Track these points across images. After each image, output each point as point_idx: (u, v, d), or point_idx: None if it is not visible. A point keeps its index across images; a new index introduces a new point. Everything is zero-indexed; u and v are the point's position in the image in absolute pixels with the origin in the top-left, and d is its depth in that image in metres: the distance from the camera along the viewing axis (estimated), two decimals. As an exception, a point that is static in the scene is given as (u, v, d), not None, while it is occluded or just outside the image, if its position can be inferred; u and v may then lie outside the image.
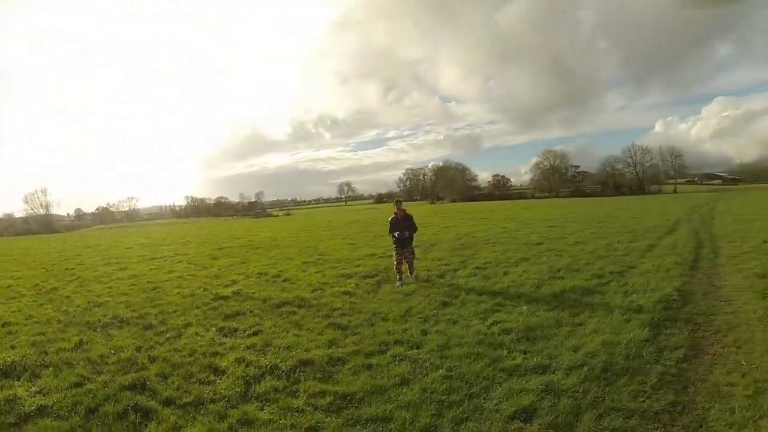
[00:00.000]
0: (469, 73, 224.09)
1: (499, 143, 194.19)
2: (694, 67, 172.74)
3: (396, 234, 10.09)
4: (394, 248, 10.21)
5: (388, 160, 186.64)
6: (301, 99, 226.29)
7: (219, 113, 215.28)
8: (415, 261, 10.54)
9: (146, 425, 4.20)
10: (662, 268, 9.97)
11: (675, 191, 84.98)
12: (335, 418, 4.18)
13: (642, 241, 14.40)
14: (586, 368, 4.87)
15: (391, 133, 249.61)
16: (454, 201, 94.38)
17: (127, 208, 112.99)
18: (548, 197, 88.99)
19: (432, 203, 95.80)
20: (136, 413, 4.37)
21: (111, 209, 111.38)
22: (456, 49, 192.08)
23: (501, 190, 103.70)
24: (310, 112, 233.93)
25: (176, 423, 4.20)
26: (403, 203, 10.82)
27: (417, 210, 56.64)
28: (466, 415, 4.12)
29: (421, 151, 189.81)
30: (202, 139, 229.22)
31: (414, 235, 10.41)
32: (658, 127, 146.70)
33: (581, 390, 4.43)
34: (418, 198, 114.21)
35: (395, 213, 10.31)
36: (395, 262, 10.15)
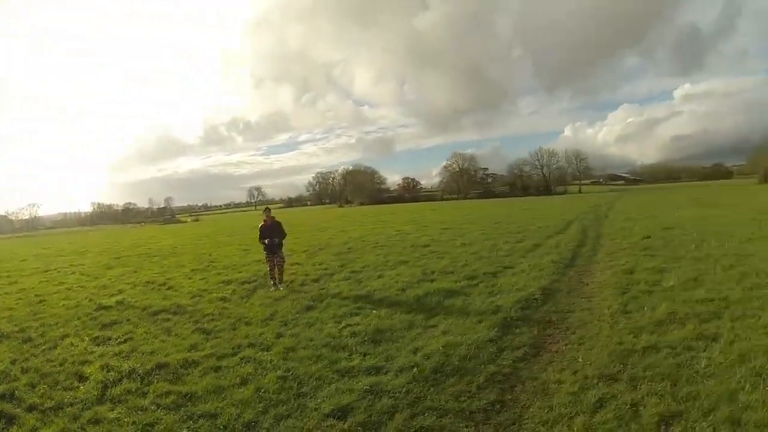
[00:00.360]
0: (383, 76, 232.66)
1: (412, 146, 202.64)
2: (603, 75, 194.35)
3: (266, 241, 10.40)
4: (265, 255, 10.56)
5: (300, 163, 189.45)
6: (214, 101, 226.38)
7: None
8: (285, 265, 10.95)
9: (8, 430, 4.65)
10: (537, 267, 10.72)
11: (580, 191, 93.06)
12: (173, 414, 4.64)
13: (528, 241, 15.42)
14: (416, 369, 5.13)
15: (303, 137, 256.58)
16: (362, 204, 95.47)
17: (27, 216, 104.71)
18: (457, 199, 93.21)
19: (340, 207, 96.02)
20: (0, 420, 4.80)
21: (9, 217, 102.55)
22: (371, 52, 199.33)
23: (411, 192, 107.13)
24: (222, 115, 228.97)
25: (34, 426, 4.66)
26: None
27: (323, 214, 57.45)
28: (288, 412, 4.52)
29: (332, 155, 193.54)
30: (113, 142, 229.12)
31: (284, 241, 10.73)
32: (568, 131, 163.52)
33: (404, 390, 4.70)
34: (327, 202, 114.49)
35: (264, 220, 10.59)
36: (268, 268, 10.65)
